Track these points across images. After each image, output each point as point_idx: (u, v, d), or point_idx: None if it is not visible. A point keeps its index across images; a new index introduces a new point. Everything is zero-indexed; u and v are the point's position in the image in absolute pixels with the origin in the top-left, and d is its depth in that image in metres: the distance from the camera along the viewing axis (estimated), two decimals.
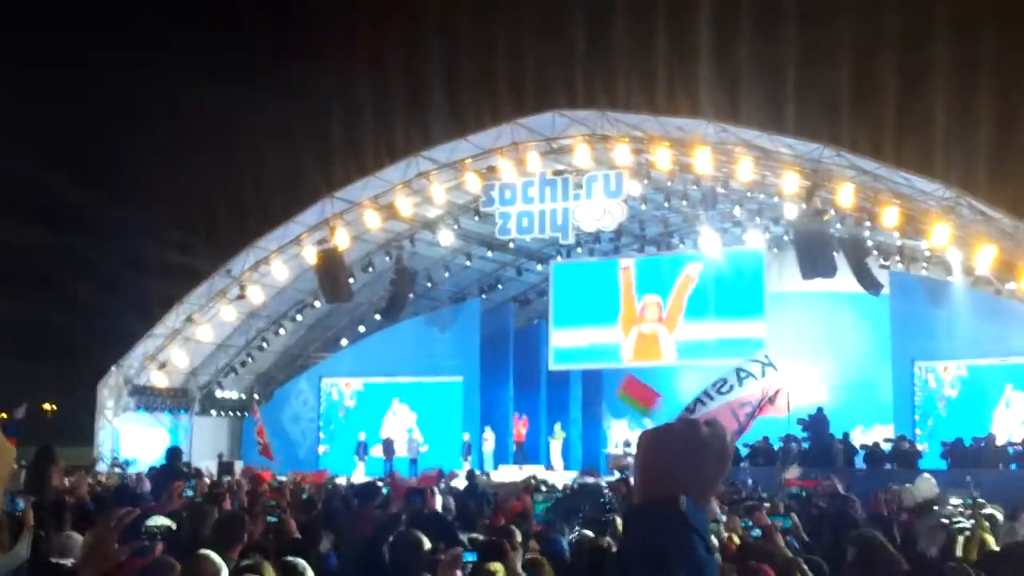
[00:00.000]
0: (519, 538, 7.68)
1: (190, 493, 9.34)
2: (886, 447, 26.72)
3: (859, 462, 26.33)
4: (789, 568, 5.98)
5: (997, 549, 7.47)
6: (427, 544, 6.61)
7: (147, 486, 16.19)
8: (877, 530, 8.47)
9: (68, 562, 6.54)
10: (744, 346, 31.54)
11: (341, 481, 21.92)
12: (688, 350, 32.64)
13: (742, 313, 31.67)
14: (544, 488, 14.16)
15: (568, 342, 33.96)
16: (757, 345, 31.58)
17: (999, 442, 26.16)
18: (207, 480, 17.27)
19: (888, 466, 25.92)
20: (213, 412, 36.31)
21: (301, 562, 5.99)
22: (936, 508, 12.59)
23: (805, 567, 6.35)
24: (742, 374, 15.51)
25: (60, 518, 8.71)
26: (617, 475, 27.04)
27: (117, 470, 28.20)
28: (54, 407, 34.51)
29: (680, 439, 1.94)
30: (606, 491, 13.39)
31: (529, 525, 8.93)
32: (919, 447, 27.52)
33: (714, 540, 7.36)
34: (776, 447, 28.24)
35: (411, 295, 33.57)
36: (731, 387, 15.76)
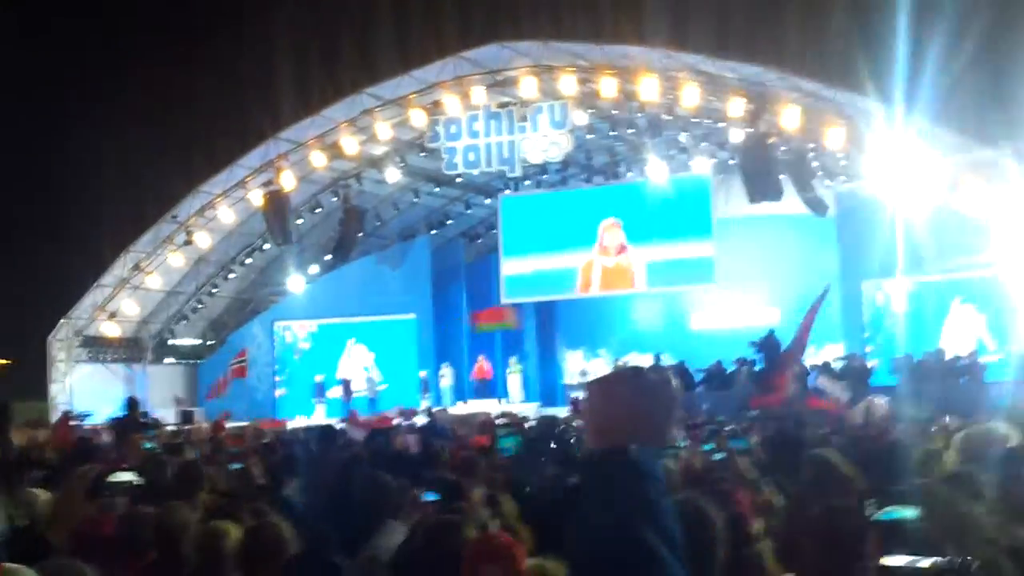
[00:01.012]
0: (482, 472, 7.76)
1: (149, 445, 9.30)
2: (837, 365, 27.08)
3: (811, 381, 26.72)
4: (754, 488, 6.07)
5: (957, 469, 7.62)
6: (392, 485, 6.65)
7: (106, 439, 16.13)
8: (833, 449, 8.63)
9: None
10: (693, 267, 31.89)
11: (300, 424, 21.90)
12: (649, 273, 32.81)
13: (690, 234, 31.92)
14: (504, 419, 14.26)
15: (519, 270, 34.04)
16: (707, 265, 31.93)
17: (948, 356, 26.62)
18: (167, 430, 17.23)
19: (840, 383, 26.31)
20: (167, 360, 36.14)
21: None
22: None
23: (766, 488, 6.46)
24: None
25: (21, 476, 8.67)
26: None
27: (74, 423, 27.98)
28: (6, 361, 34.09)
29: (627, 388, 1.95)
30: (573, 424, 13.55)
31: (491, 459, 8.99)
32: (869, 364, 27.95)
33: (673, 468, 7.47)
34: (729, 370, 28.59)
35: (360, 234, 33.40)
36: None
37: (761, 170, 26.66)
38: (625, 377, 1.98)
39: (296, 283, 34.92)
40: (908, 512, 3.26)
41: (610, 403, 1.95)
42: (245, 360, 33.47)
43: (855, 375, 26.33)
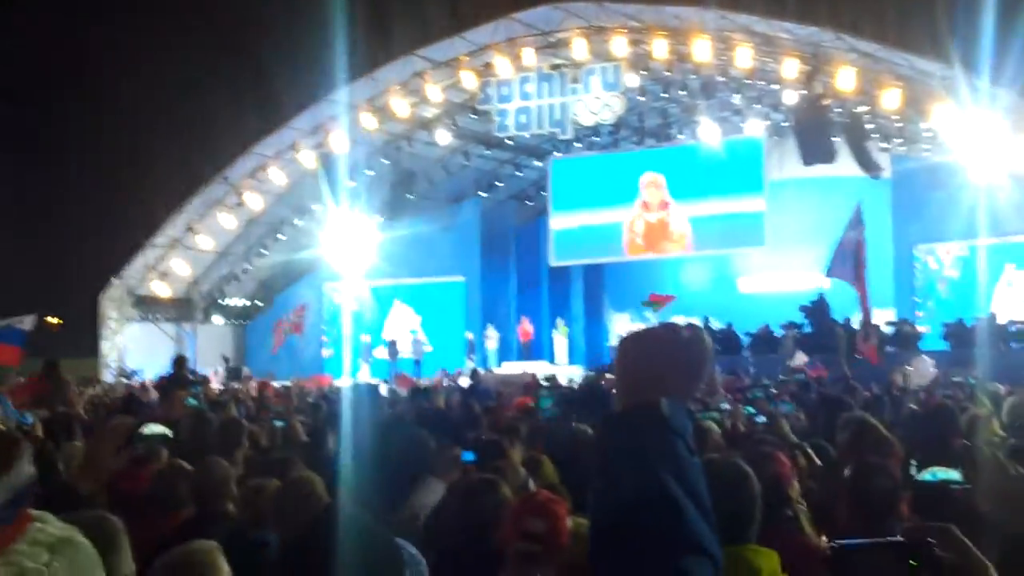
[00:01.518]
0: (523, 434, 7.72)
1: (193, 401, 9.35)
2: (888, 330, 26.81)
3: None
4: (793, 452, 6.01)
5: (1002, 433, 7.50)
6: (431, 443, 6.64)
7: (153, 395, 16.30)
8: (872, 412, 8.52)
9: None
10: (742, 224, 31.64)
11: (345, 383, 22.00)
12: (696, 225, 32.56)
13: (741, 191, 31.70)
14: (547, 383, 14.24)
15: (566, 225, 34.01)
16: (757, 220, 31.65)
17: (1000, 321, 26.24)
18: (214, 387, 17.36)
19: (890, 349, 26.05)
20: (216, 320, 36.48)
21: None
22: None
23: (809, 450, 6.37)
24: None
25: (70, 430, 8.73)
26: None
27: (124, 380, 28.38)
28: (59, 320, 34.58)
29: (659, 342, 1.92)
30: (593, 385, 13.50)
31: (533, 421, 8.96)
32: (920, 329, 27.62)
33: (716, 430, 7.39)
34: (778, 334, 28.39)
35: (410, 196, 33.43)
36: None
37: (815, 132, 26.32)
38: (657, 332, 1.94)
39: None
40: (952, 474, 3.16)
41: (641, 358, 1.92)
42: (303, 317, 33.64)
43: (905, 340, 26.05)
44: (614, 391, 2.00)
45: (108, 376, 30.52)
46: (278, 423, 9.88)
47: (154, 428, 5.84)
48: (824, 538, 4.51)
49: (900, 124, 28.68)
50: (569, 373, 26.36)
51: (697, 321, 30.34)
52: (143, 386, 18.45)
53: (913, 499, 3.88)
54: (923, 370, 16.34)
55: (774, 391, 12.23)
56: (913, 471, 3.38)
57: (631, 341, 1.97)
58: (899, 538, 1.98)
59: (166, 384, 15.68)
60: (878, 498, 4.12)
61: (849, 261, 23.52)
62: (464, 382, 20.71)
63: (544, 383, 14.50)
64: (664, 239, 33.19)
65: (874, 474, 4.24)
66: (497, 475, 5.16)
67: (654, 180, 33.14)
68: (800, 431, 8.46)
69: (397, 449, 6.75)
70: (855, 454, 5.18)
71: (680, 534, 1.71)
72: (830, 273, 23.88)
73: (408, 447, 6.66)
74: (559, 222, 34.24)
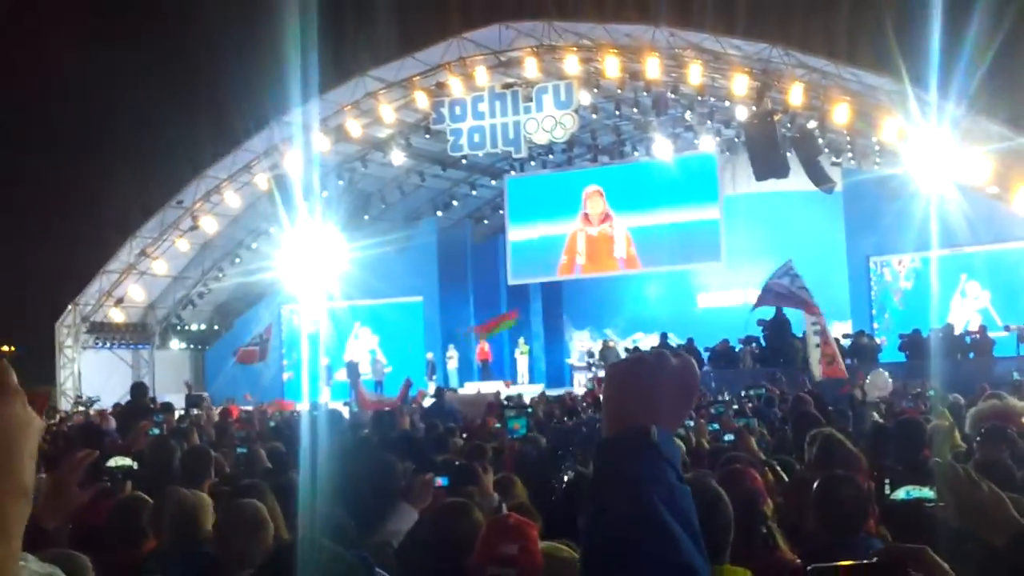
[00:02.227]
0: (490, 455, 7.74)
1: (156, 431, 9.27)
2: (845, 343, 27.04)
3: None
4: (762, 469, 6.06)
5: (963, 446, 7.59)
6: (397, 467, 6.63)
7: (112, 424, 16.13)
8: (835, 426, 8.60)
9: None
10: (700, 231, 31.84)
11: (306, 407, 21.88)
12: (645, 236, 32.67)
13: (697, 200, 31.91)
14: (511, 402, 14.25)
15: (527, 237, 34.12)
16: (713, 228, 31.88)
17: (956, 332, 26.55)
18: (175, 416, 17.20)
19: (848, 361, 26.27)
20: (174, 345, 36.19)
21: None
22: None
23: (777, 467, 6.43)
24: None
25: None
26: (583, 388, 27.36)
27: (81, 408, 28.07)
28: (12, 348, 34.15)
29: (649, 370, 1.93)
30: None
31: (500, 442, 8.97)
32: (878, 341, 27.89)
33: (680, 445, 7.43)
34: (737, 348, 28.55)
35: (366, 217, 33.38)
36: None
37: (767, 147, 26.56)
38: (647, 359, 1.96)
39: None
40: (926, 492, 3.21)
41: (631, 385, 1.93)
42: (269, 339, 33.31)
43: (863, 352, 26.28)
44: (599, 420, 2.02)
45: (65, 404, 30.18)
46: (240, 450, 9.82)
47: (120, 460, 5.79)
48: (797, 558, 4.55)
49: (850, 138, 29.02)
50: (530, 391, 26.37)
51: (655, 337, 30.59)
52: (101, 415, 18.25)
53: (887, 519, 3.93)
54: (880, 383, 16.45)
55: (735, 407, 12.28)
56: (887, 489, 3.42)
57: (621, 368, 1.99)
58: (875, 560, 2.01)
59: (126, 412, 15.53)
60: (846, 509, 4.18)
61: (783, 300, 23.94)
62: (427, 402, 20.67)
63: (507, 402, 14.51)
64: (607, 255, 33.32)
65: (841, 485, 4.30)
66: (470, 499, 5.17)
67: (596, 191, 33.33)
68: (764, 447, 8.53)
69: (364, 475, 6.73)
70: (823, 469, 5.25)
71: (673, 560, 1.73)
72: (754, 308, 24.52)
73: (374, 473, 6.64)
74: (518, 235, 34.32)
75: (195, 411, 22.03)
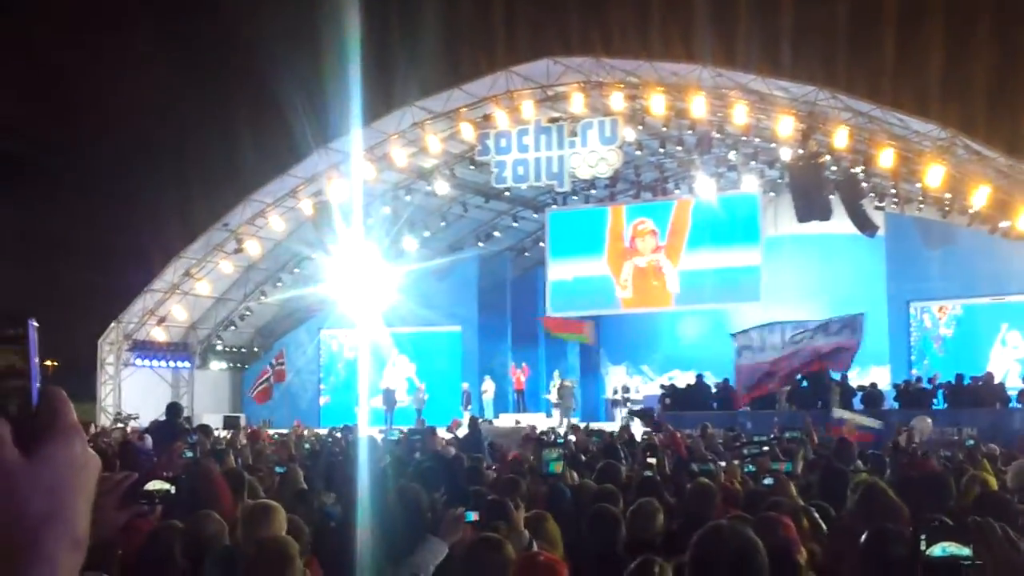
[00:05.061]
0: (523, 490, 7.74)
1: (190, 454, 9.36)
2: (887, 389, 26.79)
3: (856, 403, 26.45)
4: (799, 516, 6.00)
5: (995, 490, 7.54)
6: (424, 501, 6.66)
7: (148, 443, 16.28)
8: (876, 474, 8.56)
9: None
10: (741, 275, 31.71)
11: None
12: (690, 280, 32.59)
13: (738, 241, 31.76)
14: (546, 436, 14.25)
15: (565, 275, 34.08)
16: (754, 273, 31.74)
17: (996, 380, 26.28)
18: (208, 440, 17.33)
19: (889, 406, 26.09)
20: (213, 366, 36.45)
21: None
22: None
23: (816, 515, 6.38)
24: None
25: None
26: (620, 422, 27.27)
27: (120, 425, 28.34)
28: (55, 363, 34.53)
29: None
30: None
31: (534, 477, 8.98)
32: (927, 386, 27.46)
33: (712, 487, 7.42)
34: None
35: (408, 246, 33.60)
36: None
37: (810, 190, 26.52)
38: None
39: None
40: (964, 551, 3.20)
41: None
42: (283, 362, 33.60)
43: (913, 399, 26.00)
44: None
45: (105, 420, 30.48)
46: (279, 469, 9.91)
47: (158, 484, 5.87)
48: None
49: (894, 182, 28.91)
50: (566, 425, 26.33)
51: (691, 375, 30.46)
52: (139, 435, 18.42)
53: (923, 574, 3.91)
54: (924, 428, 16.37)
55: (765, 448, 12.18)
56: (923, 544, 3.42)
57: None
58: None
59: (160, 432, 15.67)
60: (893, 567, 4.13)
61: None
62: (461, 432, 20.70)
63: (544, 437, 14.48)
64: (658, 288, 33.20)
65: (891, 542, 4.25)
66: (500, 535, 5.18)
67: (646, 224, 33.29)
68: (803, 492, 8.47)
69: (392, 505, 6.77)
70: (865, 519, 5.19)
71: None
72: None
73: (402, 504, 6.67)
74: (556, 272, 34.33)
75: (230, 432, 22.21)
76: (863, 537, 4.42)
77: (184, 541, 5.48)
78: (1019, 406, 24.86)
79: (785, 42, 24.24)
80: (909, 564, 4.22)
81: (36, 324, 1.16)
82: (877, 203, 30.08)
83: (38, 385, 1.15)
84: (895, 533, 4.41)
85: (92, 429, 23.80)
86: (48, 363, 34.51)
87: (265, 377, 33.54)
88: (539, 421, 28.39)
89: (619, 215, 33.69)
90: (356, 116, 28.94)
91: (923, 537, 3.80)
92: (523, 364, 35.20)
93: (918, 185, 27.90)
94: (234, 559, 5.11)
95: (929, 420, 18.38)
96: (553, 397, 32.31)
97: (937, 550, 3.54)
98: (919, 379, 27.39)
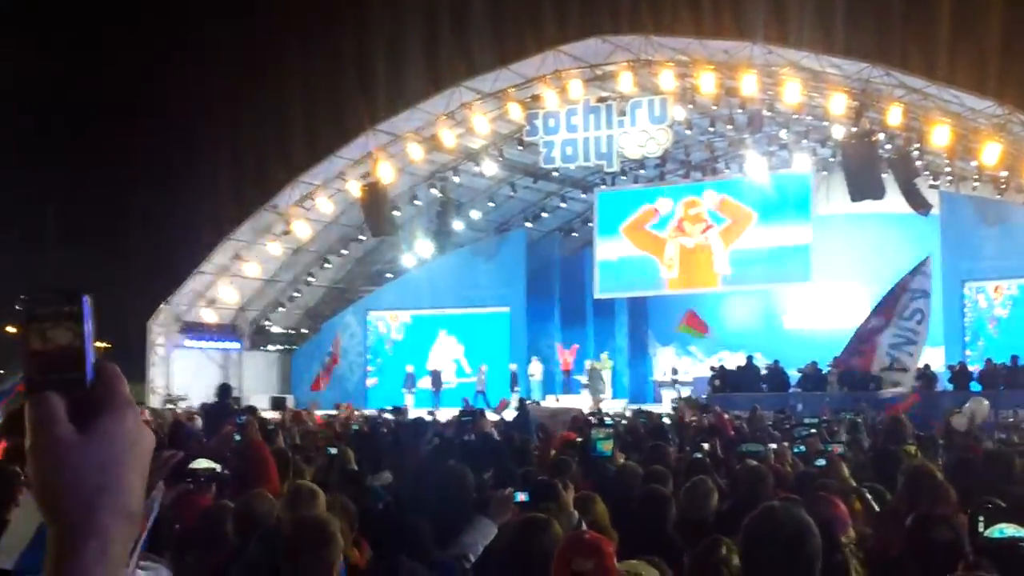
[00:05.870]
0: (573, 471, 7.67)
1: (239, 438, 9.38)
2: (940, 371, 26.48)
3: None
4: (849, 498, 5.90)
5: None
6: (471, 481, 6.60)
7: (198, 423, 16.38)
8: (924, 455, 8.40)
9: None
10: (791, 254, 31.45)
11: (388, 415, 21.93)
12: (740, 259, 32.37)
13: (789, 222, 31.52)
14: (595, 420, 14.14)
15: (613, 254, 33.95)
16: (803, 252, 31.45)
17: None
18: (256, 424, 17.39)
19: (942, 387, 25.78)
20: (263, 346, 36.70)
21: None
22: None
23: (869, 497, 6.25)
24: None
25: None
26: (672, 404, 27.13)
27: (169, 406, 28.56)
28: (108, 344, 34.92)
29: None
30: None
31: (582, 457, 8.89)
32: (971, 368, 27.14)
33: (764, 470, 7.30)
34: (824, 371, 28.10)
35: (456, 226, 33.61)
36: None
37: (864, 168, 26.16)
38: None
39: (391, 274, 35.20)
40: (1022, 531, 3.08)
41: None
42: (338, 348, 33.68)
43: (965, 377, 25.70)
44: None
45: (155, 402, 30.75)
46: (331, 450, 9.91)
47: (204, 463, 5.87)
48: None
49: (949, 160, 28.48)
50: (614, 407, 26.23)
51: (741, 357, 30.25)
52: (189, 416, 18.54)
53: (981, 556, 3.80)
54: (980, 411, 16.08)
55: (813, 431, 11.96)
56: (980, 526, 3.30)
57: None
58: None
59: (212, 413, 15.78)
60: (939, 552, 4.04)
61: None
62: (509, 415, 20.64)
63: (593, 419, 14.36)
64: (705, 268, 32.96)
65: (935, 527, 4.16)
66: (549, 515, 5.11)
67: (693, 201, 33.08)
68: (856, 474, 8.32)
69: (439, 485, 6.70)
70: (910, 501, 5.11)
71: None
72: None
73: (448, 484, 6.60)
74: (604, 252, 34.19)
75: (279, 413, 22.29)
76: (908, 522, 4.33)
77: (236, 519, 5.49)
78: None
79: (838, 18, 23.85)
80: (954, 549, 4.14)
81: (91, 301, 1.18)
82: (931, 181, 29.66)
83: (93, 360, 1.18)
84: (938, 518, 4.32)
85: (144, 414, 24.00)
86: (99, 345, 34.89)
87: (324, 367, 33.58)
88: (579, 402, 28.33)
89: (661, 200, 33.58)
90: (404, 97, 29.01)
91: (980, 519, 3.68)
92: (572, 345, 35.07)
93: (973, 163, 27.49)
94: (278, 538, 5.07)
95: (986, 402, 18.06)
96: (584, 379, 32.26)
97: (995, 531, 3.42)
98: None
